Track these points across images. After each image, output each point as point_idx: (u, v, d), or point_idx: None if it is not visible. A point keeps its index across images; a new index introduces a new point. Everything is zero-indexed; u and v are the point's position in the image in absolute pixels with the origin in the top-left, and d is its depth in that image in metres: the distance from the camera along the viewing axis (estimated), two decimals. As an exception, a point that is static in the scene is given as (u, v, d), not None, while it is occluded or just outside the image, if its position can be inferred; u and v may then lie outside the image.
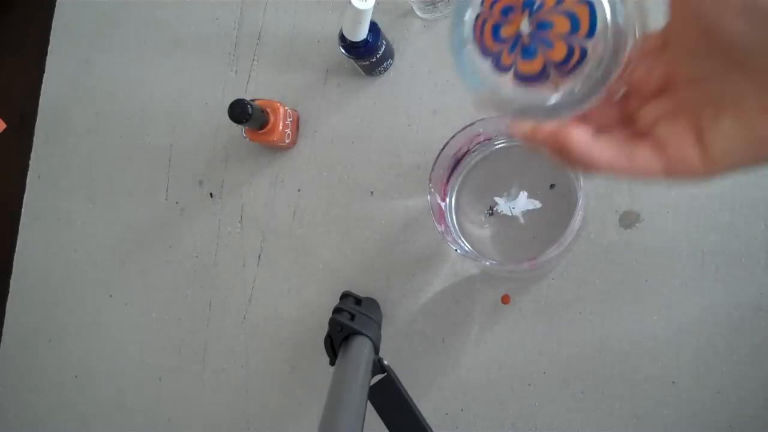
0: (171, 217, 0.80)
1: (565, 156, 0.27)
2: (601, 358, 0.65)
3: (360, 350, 0.57)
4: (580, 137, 0.27)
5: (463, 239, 0.66)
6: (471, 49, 0.27)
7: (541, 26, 0.25)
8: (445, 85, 0.72)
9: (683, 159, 0.26)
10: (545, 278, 0.67)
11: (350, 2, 0.59)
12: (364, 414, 0.48)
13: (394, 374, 0.55)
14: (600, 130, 0.28)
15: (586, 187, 0.58)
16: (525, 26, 0.25)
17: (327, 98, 0.76)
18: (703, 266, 0.64)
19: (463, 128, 0.60)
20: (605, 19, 0.24)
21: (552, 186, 0.65)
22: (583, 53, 0.25)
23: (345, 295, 0.70)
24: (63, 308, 0.83)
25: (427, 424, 0.52)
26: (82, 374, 0.82)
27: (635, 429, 0.64)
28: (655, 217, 0.65)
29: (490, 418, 0.68)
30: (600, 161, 0.27)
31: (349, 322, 0.60)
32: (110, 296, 0.81)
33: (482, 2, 0.26)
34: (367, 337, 0.60)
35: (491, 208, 0.66)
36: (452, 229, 0.66)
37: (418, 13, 0.72)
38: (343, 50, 0.66)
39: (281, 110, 0.71)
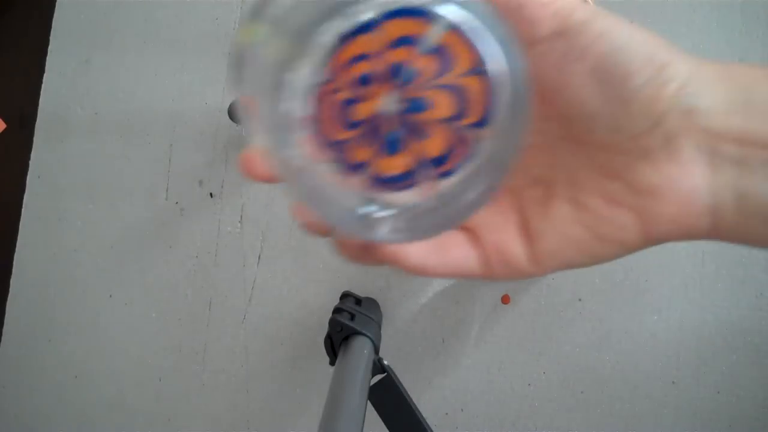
0: (171, 217, 0.80)
1: (360, 251, 0.20)
2: (601, 358, 0.65)
3: (360, 350, 0.57)
4: None
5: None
6: (302, 136, 0.17)
7: (414, 105, 0.17)
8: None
9: (503, 254, 0.20)
10: (545, 278, 0.67)
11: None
12: (364, 414, 0.48)
13: (394, 374, 0.55)
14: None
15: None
16: (390, 106, 0.17)
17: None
18: (703, 266, 0.64)
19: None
20: (508, 96, 0.17)
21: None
22: (472, 146, 0.17)
23: (345, 295, 0.70)
24: (63, 308, 0.83)
25: (427, 424, 0.52)
26: (82, 374, 0.82)
27: (635, 429, 0.64)
28: (655, 217, 0.65)
29: (490, 418, 0.68)
30: (408, 256, 0.20)
31: (349, 322, 0.60)
32: (110, 296, 0.81)
33: (324, 66, 0.16)
34: (367, 337, 0.60)
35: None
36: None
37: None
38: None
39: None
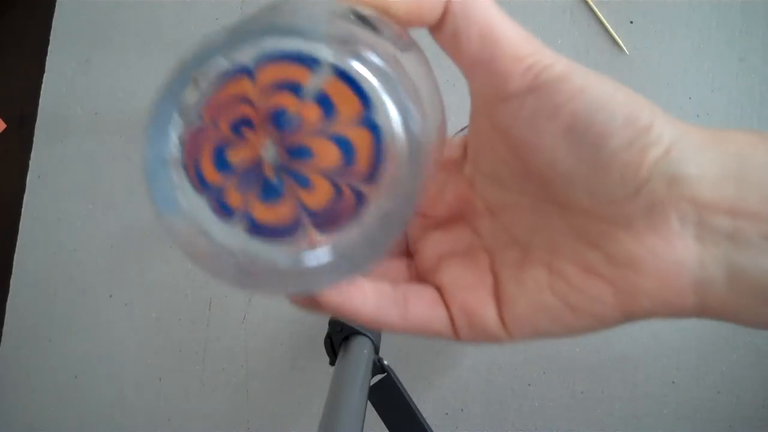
0: (171, 217, 0.80)
1: (305, 301, 0.19)
2: (601, 358, 0.65)
3: (360, 350, 0.57)
4: None
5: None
6: (178, 178, 0.16)
7: (295, 154, 0.16)
8: (444, 85, 0.72)
9: (472, 316, 0.19)
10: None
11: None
12: (364, 414, 0.48)
13: (394, 374, 0.55)
14: None
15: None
16: (269, 151, 0.16)
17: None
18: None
19: (463, 128, 0.60)
20: (398, 149, 0.15)
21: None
22: (358, 201, 0.16)
23: (345, 295, 0.70)
24: (63, 308, 0.83)
25: (427, 424, 0.52)
26: (82, 374, 0.82)
27: (635, 429, 0.64)
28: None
29: (490, 418, 0.68)
30: (361, 310, 0.18)
31: (349, 322, 0.60)
32: (110, 296, 0.81)
33: (200, 108, 0.16)
34: (367, 337, 0.60)
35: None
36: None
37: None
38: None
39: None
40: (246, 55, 0.15)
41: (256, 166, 0.16)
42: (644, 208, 0.17)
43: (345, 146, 0.16)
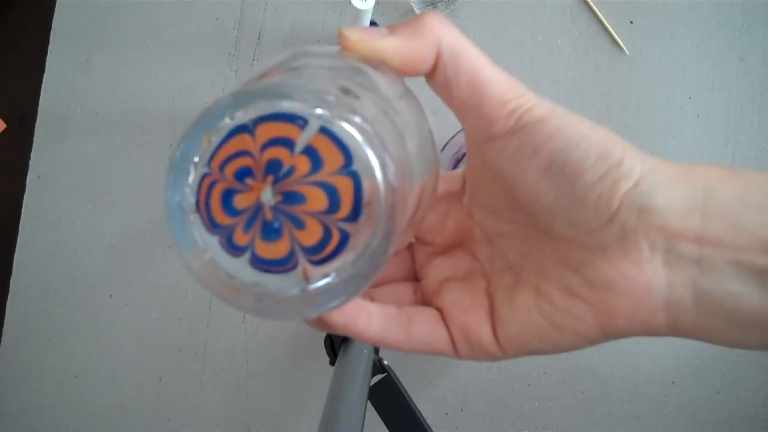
0: (171, 217, 0.80)
1: (315, 320, 0.21)
2: (601, 358, 0.65)
3: (360, 350, 0.57)
4: None
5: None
6: (195, 221, 0.20)
7: (289, 199, 0.19)
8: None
9: (469, 335, 0.21)
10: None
11: (350, 2, 0.59)
12: (364, 414, 0.48)
13: (394, 374, 0.55)
14: (375, 284, 0.23)
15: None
16: (267, 197, 0.19)
17: (327, 98, 0.76)
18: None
19: (460, 130, 0.60)
20: (376, 196, 0.18)
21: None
22: (344, 238, 0.19)
23: (345, 295, 0.70)
24: (63, 308, 0.83)
25: (427, 424, 0.52)
26: (82, 374, 0.82)
27: (635, 429, 0.64)
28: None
29: (490, 418, 0.68)
30: (367, 330, 0.21)
31: (349, 322, 0.60)
32: (110, 296, 0.81)
33: (209, 160, 0.19)
34: (367, 337, 0.60)
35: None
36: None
37: (417, 12, 0.72)
38: (342, 50, 0.66)
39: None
40: (246, 116, 0.18)
41: (258, 209, 0.19)
42: (617, 235, 0.18)
43: (331, 192, 0.18)
